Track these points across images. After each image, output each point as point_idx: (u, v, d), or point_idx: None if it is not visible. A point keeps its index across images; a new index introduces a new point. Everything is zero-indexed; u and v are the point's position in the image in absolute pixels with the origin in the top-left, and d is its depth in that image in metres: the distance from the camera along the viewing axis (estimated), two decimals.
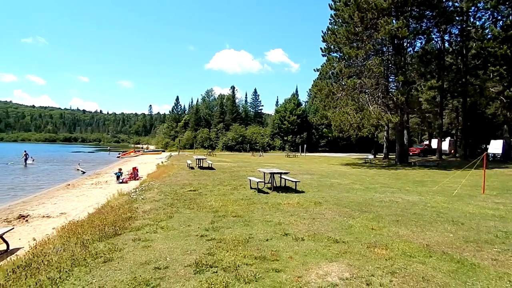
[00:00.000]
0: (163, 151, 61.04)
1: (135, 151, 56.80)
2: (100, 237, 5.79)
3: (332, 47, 29.37)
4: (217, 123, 74.92)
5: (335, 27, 29.52)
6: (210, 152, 51.42)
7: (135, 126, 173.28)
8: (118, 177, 17.20)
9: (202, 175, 16.61)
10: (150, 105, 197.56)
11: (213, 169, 19.94)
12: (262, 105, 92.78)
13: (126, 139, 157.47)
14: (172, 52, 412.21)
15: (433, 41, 30.32)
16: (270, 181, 11.84)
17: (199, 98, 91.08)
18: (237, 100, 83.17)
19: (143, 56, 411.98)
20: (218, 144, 68.30)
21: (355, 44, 27.23)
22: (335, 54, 29.74)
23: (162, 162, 27.41)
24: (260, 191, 11.02)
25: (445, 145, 41.34)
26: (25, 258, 5.11)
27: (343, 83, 28.25)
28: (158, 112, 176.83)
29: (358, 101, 27.86)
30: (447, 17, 26.64)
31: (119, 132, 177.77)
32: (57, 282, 3.98)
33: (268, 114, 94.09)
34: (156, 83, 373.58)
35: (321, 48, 29.99)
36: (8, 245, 6.69)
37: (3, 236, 6.67)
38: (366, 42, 26.35)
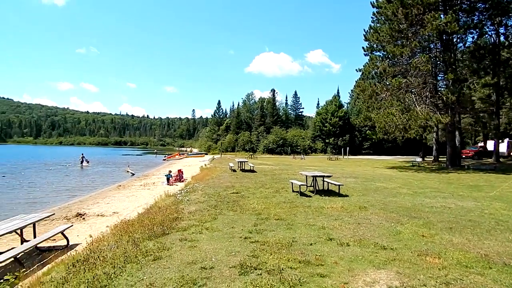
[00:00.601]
0: (206, 154, 62.67)
1: (179, 154, 58.83)
2: (149, 236, 6.07)
3: (375, 45, 28.38)
4: (257, 126, 75.48)
5: (378, 25, 28.49)
6: (251, 155, 51.90)
7: (179, 130, 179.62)
8: (168, 179, 17.87)
9: (244, 177, 16.80)
10: (193, 110, 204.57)
11: (255, 171, 20.08)
12: (303, 108, 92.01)
13: (171, 143, 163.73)
14: (213, 57, 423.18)
15: (486, 35, 28.19)
16: (312, 184, 11.69)
17: (240, 101, 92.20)
18: (277, 103, 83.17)
19: (186, 62, 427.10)
20: (259, 147, 68.73)
21: (399, 42, 26.09)
22: (378, 53, 28.71)
23: (205, 165, 28.13)
24: (302, 194, 10.93)
25: (503, 147, 38.14)
26: (83, 254, 5.49)
27: (388, 83, 27.16)
28: (201, 116, 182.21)
29: (404, 101, 26.62)
30: (502, 9, 24.67)
31: (165, 135, 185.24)
32: (111, 277, 4.23)
33: (309, 117, 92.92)
34: (198, 88, 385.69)
35: (363, 48, 29.12)
36: (68, 241, 7.24)
37: (64, 232, 7.23)
38: (412, 39, 25.13)
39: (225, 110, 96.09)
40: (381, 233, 6.22)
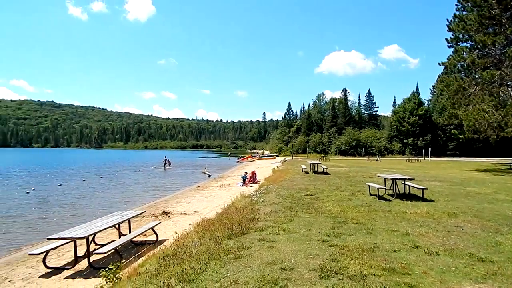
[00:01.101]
0: (277, 156, 63.23)
1: (252, 156, 60.35)
2: (229, 235, 6.34)
3: (460, 36, 25.64)
4: (329, 127, 73.75)
5: (464, 13, 25.68)
6: (323, 156, 50.90)
7: (251, 133, 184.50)
8: (244, 180, 18.51)
9: (317, 179, 16.56)
10: (264, 112, 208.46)
11: (328, 174, 19.66)
12: (377, 107, 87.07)
13: (243, 145, 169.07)
14: (282, 59, 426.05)
15: None
16: (391, 188, 11.02)
17: (310, 103, 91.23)
18: (349, 103, 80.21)
19: (256, 66, 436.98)
20: (331, 149, 67.11)
21: (490, 29, 23.21)
22: (464, 44, 25.85)
23: (277, 167, 28.40)
24: (380, 198, 10.37)
25: None
26: (171, 249, 5.96)
27: (477, 76, 24.33)
28: (271, 119, 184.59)
29: (498, 95, 23.59)
30: None
31: (237, 138, 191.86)
32: (198, 272, 4.52)
33: (384, 116, 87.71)
34: (268, 91, 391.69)
35: (446, 39, 26.51)
36: (157, 236, 7.93)
37: (154, 228, 7.94)
38: (507, 26, 22.17)
39: (295, 112, 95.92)
40: (476, 243, 5.60)
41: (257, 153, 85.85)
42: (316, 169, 21.29)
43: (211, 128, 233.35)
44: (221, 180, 22.91)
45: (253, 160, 53.18)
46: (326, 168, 21.20)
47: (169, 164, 40.37)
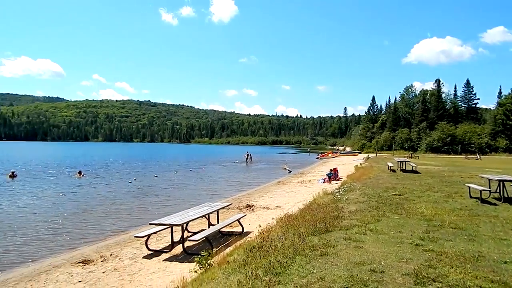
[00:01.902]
0: (359, 152, 60.54)
1: (332, 153, 58.90)
2: (313, 231, 6.30)
3: None
4: (418, 122, 67.72)
5: None
6: (411, 154, 47.08)
7: (331, 129, 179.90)
8: (330, 177, 18.20)
9: (405, 178, 15.43)
10: (345, 107, 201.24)
11: (418, 172, 18.16)
12: (478, 99, 76.66)
13: (323, 141, 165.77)
14: (365, 51, 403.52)
15: None
16: (498, 190, 9.69)
17: (397, 96, 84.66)
18: (443, 95, 72.32)
19: (338, 60, 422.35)
20: (420, 145, 61.68)
21: None
22: None
23: (360, 164, 27.22)
24: (484, 201, 9.20)
25: None
26: (257, 241, 6.16)
27: None
28: (353, 114, 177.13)
29: None
30: None
31: (317, 134, 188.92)
32: (284, 265, 4.59)
33: (486, 109, 77.14)
34: (350, 85, 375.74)
35: None
36: (243, 228, 8.29)
37: (240, 220, 8.32)
38: None
39: (380, 106, 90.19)
40: None
41: (338, 149, 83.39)
42: (404, 167, 19.83)
43: (290, 124, 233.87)
44: (302, 176, 22.85)
45: (334, 157, 51.83)
46: (415, 167, 19.60)
47: (251, 159, 41.71)
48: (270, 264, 4.69)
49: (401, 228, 6.36)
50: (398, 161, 20.73)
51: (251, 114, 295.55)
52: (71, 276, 6.08)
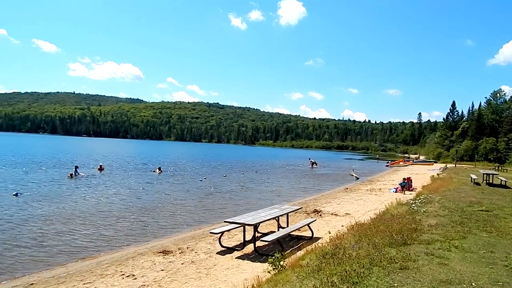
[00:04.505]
0: (435, 162, 55.90)
1: (404, 161, 55.32)
2: (389, 243, 6.02)
3: None
4: (507, 131, 60.17)
5: None
6: (498, 166, 42.05)
7: (402, 135, 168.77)
8: (403, 187, 17.20)
9: (493, 193, 13.89)
10: (419, 113, 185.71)
11: (508, 187, 16.21)
12: None
13: (393, 148, 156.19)
14: (445, 52, 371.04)
15: None
16: None
17: (482, 101, 76.30)
18: None
19: (411, 61, 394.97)
20: (509, 157, 54.79)
21: None
22: None
23: (437, 174, 25.16)
24: None
25: None
26: (329, 248, 6.09)
27: None
28: (428, 120, 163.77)
29: None
30: None
31: (386, 141, 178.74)
32: (361, 275, 4.47)
33: None
34: (425, 89, 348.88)
35: None
36: (312, 233, 8.24)
37: (309, 225, 8.29)
38: None
39: (461, 112, 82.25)
40: None
41: (409, 157, 78.01)
42: (490, 181, 17.84)
43: (357, 129, 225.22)
44: (371, 184, 21.87)
45: (406, 165, 48.62)
46: (505, 181, 17.50)
47: (316, 164, 41.13)
48: (345, 272, 4.61)
49: (492, 248, 5.76)
50: (483, 174, 18.72)
51: (316, 117, 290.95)
52: (154, 264, 6.64)
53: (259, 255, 6.99)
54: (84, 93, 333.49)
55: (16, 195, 13.65)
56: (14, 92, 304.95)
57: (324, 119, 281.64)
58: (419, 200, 11.59)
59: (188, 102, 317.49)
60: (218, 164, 39.36)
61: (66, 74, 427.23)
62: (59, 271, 6.48)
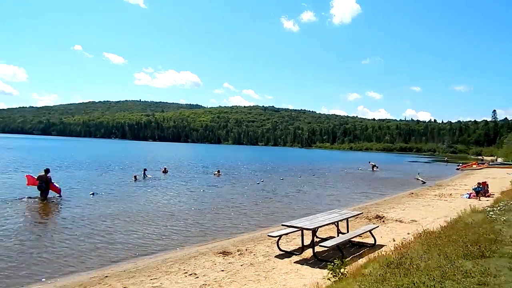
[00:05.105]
0: None
1: (477, 164, 50.38)
2: (464, 254, 5.48)
3: None
4: None
5: None
6: None
7: (474, 135, 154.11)
8: (478, 192, 15.70)
9: None
10: (494, 110, 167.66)
11: None
12: None
13: (463, 150, 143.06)
14: None
15: None
16: None
17: None
18: None
19: (481, 55, 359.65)
20: None
21: None
22: None
23: None
24: None
25: None
26: (394, 257, 5.72)
27: None
28: (505, 118, 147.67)
29: None
30: None
31: (456, 142, 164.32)
32: None
33: None
34: (499, 84, 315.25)
35: None
36: (375, 240, 7.84)
37: (371, 231, 7.90)
38: None
39: None
40: None
41: (483, 160, 70.80)
42: None
43: (422, 130, 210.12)
44: (440, 189, 20.23)
45: (480, 168, 44.20)
46: None
47: (376, 167, 39.29)
48: (413, 284, 4.29)
49: None
50: None
51: (376, 118, 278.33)
52: (215, 264, 6.82)
53: (318, 261, 6.82)
54: (149, 101, 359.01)
55: (92, 194, 15.06)
56: (89, 102, 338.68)
57: (384, 119, 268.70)
58: (498, 208, 10.42)
59: (244, 106, 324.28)
60: (275, 167, 39.49)
61: (132, 83, 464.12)
62: (128, 266, 6.96)
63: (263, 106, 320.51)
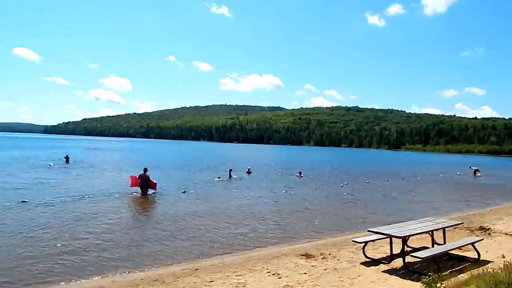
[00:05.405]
0: None
1: None
2: None
3: None
4: None
5: None
6: None
7: None
8: None
9: None
10: None
11: None
12: None
13: None
14: None
15: None
16: None
17: None
18: None
19: None
20: None
21: None
22: None
23: None
24: None
25: None
26: (504, 275, 4.96)
27: None
28: None
29: None
30: None
31: None
32: None
33: None
34: None
35: None
36: (479, 255, 6.91)
37: (474, 244, 6.99)
38: None
39: None
40: None
41: None
42: None
43: None
44: None
45: None
46: None
47: (479, 171, 34.72)
48: None
49: None
50: None
51: (478, 117, 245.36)
52: (297, 266, 6.80)
53: (409, 272, 6.29)
54: (233, 104, 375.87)
55: (183, 192, 16.37)
56: (181, 107, 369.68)
57: (488, 118, 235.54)
58: None
59: (326, 107, 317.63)
60: (359, 170, 37.81)
61: (218, 88, 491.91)
62: (215, 262, 7.37)
63: (346, 106, 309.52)
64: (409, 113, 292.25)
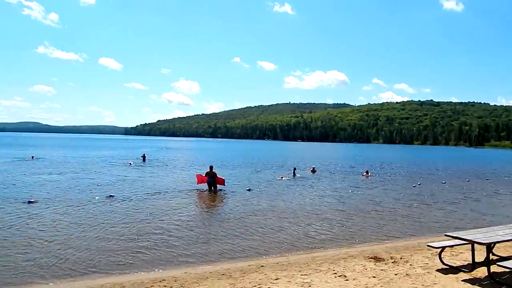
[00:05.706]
0: None
1: None
2: None
3: None
4: None
5: None
6: None
7: None
8: None
9: None
10: None
11: None
12: None
13: None
14: None
15: None
16: None
17: None
18: None
19: None
20: None
21: None
22: None
23: None
24: None
25: None
26: None
27: None
28: None
29: None
30: None
31: None
32: None
33: None
34: None
35: None
36: None
37: None
38: None
39: None
40: None
41: None
42: None
43: None
44: None
45: None
46: None
47: None
48: None
49: None
50: None
51: None
52: (365, 269, 6.52)
53: (495, 283, 5.64)
54: (297, 102, 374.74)
55: (248, 190, 16.76)
56: (246, 107, 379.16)
57: None
58: None
59: (396, 102, 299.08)
60: (435, 169, 34.90)
61: (282, 87, 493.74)
62: (281, 260, 7.42)
63: (419, 100, 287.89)
64: (495, 105, 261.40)
